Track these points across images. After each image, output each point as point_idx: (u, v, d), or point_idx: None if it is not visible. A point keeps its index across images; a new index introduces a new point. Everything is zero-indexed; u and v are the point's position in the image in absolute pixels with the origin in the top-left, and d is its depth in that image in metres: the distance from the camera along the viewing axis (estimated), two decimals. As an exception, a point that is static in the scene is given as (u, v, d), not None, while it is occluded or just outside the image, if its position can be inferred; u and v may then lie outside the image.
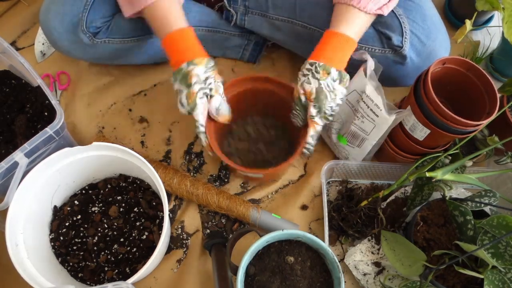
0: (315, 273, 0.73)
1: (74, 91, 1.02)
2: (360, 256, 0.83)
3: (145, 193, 0.86)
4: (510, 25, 0.87)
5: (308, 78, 0.71)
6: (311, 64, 0.71)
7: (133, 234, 0.82)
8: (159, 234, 0.78)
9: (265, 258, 0.73)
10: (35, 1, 1.12)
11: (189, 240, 0.87)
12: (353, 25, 0.73)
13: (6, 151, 0.81)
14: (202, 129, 0.76)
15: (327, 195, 0.91)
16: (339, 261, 0.70)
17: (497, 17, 1.17)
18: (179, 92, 0.74)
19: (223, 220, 0.90)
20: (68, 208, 0.83)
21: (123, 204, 0.85)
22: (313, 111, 0.72)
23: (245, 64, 1.08)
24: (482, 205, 0.76)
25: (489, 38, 1.15)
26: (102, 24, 0.87)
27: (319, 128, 0.74)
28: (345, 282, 0.74)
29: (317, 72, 0.70)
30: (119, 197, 0.85)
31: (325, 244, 0.72)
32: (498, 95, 0.74)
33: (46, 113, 0.85)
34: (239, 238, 0.80)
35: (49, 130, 0.69)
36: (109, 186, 0.87)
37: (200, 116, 0.75)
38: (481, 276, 0.65)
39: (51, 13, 0.85)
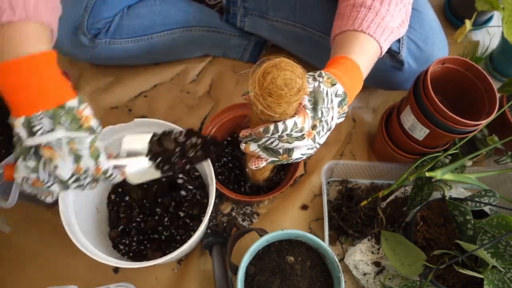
0: (315, 272, 0.73)
1: (75, 91, 1.02)
2: (360, 256, 0.83)
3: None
4: (509, 25, 0.87)
5: (308, 79, 0.55)
6: (315, 72, 0.58)
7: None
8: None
9: (265, 258, 0.73)
10: (35, 1, 1.12)
11: (189, 240, 0.88)
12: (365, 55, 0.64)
13: (6, 151, 0.81)
14: (116, 170, 0.58)
15: (327, 195, 0.91)
16: (339, 261, 0.70)
17: (497, 17, 1.17)
18: (64, 150, 0.50)
19: (223, 220, 0.90)
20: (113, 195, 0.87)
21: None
22: (307, 102, 0.52)
23: (245, 64, 1.08)
24: (482, 205, 0.76)
25: (488, 38, 1.15)
26: (102, 26, 0.87)
27: (307, 121, 0.51)
28: (345, 282, 0.74)
29: (320, 76, 0.56)
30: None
31: (325, 244, 0.72)
32: (498, 95, 0.74)
33: (46, 113, 0.85)
34: (239, 238, 0.80)
35: (49, 130, 0.69)
36: None
37: (107, 162, 0.56)
38: (481, 276, 0.65)
39: (51, 15, 0.85)
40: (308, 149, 0.56)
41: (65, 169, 0.50)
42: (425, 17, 0.82)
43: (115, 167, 0.57)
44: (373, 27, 0.64)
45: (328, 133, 0.57)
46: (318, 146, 0.57)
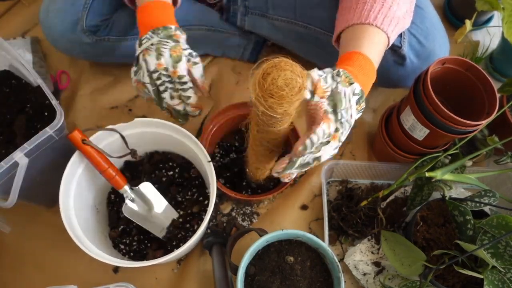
0: (315, 273, 0.73)
1: (75, 91, 1.02)
2: (360, 256, 0.83)
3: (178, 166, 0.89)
4: (510, 25, 0.87)
5: (326, 77, 0.56)
6: (333, 69, 0.58)
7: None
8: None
9: (265, 258, 0.73)
10: (35, 1, 1.12)
11: (189, 240, 0.87)
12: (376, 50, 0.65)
13: (6, 151, 0.81)
14: (190, 83, 0.69)
15: (327, 195, 0.91)
16: (339, 261, 0.70)
17: (497, 17, 1.17)
18: (153, 48, 0.66)
19: (223, 220, 0.90)
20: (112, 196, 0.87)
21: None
22: (327, 107, 0.55)
23: (245, 64, 1.08)
24: (482, 205, 0.76)
25: (488, 38, 1.15)
26: (101, 23, 0.87)
27: (331, 127, 0.55)
28: (345, 282, 0.74)
29: (338, 75, 0.57)
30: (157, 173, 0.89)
31: (325, 244, 0.72)
32: (498, 95, 0.74)
33: (46, 113, 0.85)
34: (239, 238, 0.80)
35: (49, 130, 0.68)
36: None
37: (184, 71, 0.68)
38: (481, 276, 0.66)
39: (51, 13, 0.85)
40: (334, 149, 0.59)
41: (151, 63, 0.66)
42: (427, 14, 0.82)
43: (193, 81, 0.69)
44: (380, 18, 0.65)
45: (349, 130, 0.60)
46: (341, 144, 0.60)
